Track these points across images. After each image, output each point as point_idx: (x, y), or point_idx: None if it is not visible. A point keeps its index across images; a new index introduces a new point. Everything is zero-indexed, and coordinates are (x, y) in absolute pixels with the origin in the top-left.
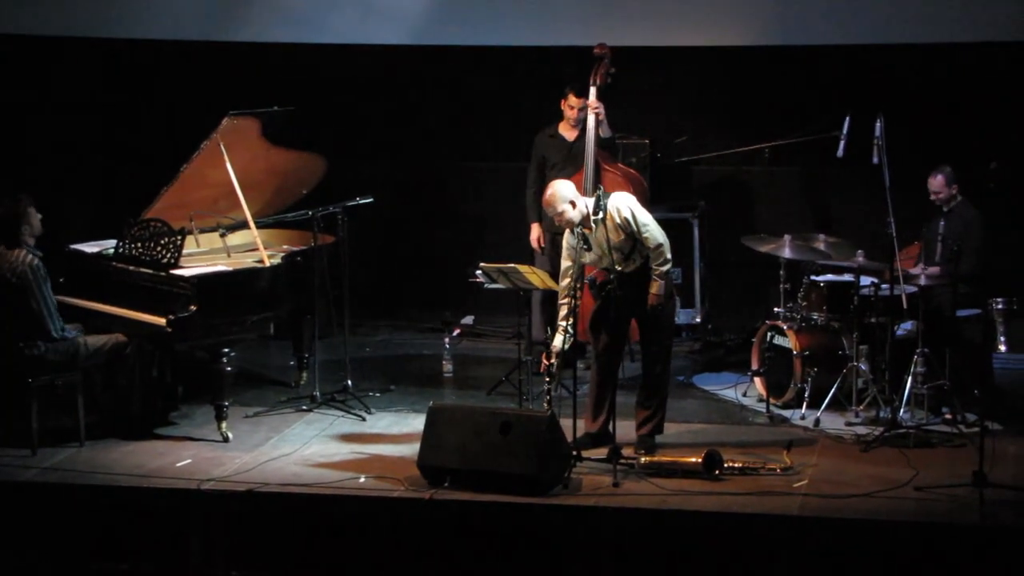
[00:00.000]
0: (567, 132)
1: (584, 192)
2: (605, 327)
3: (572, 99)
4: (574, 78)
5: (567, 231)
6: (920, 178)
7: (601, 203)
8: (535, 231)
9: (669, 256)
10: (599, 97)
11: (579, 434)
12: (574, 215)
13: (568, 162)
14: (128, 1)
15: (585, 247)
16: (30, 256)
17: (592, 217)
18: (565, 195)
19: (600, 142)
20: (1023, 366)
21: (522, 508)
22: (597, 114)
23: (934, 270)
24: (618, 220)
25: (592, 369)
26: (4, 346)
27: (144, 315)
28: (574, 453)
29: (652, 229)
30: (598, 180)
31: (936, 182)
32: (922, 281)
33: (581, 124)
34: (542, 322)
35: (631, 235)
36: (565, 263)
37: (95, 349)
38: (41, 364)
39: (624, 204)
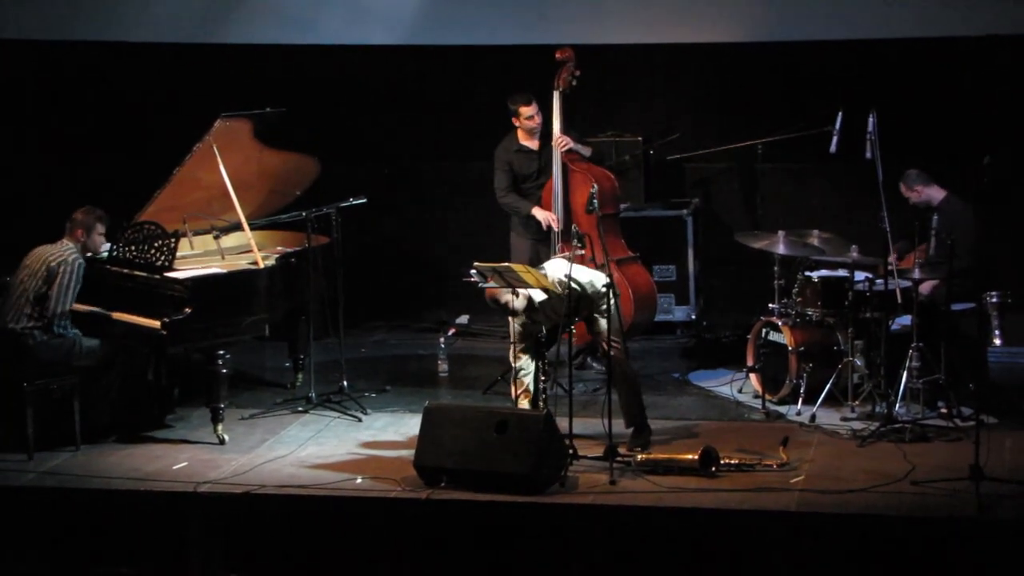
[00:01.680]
0: (529, 142)
1: (552, 202)
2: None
3: (523, 110)
4: (512, 92)
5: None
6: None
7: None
8: (540, 214)
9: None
10: (562, 100)
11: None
12: (520, 304)
13: (538, 174)
14: (120, 4)
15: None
16: (76, 255)
17: (541, 296)
18: (498, 297)
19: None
20: (1018, 359)
21: (519, 507)
22: (563, 147)
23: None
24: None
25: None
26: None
27: (138, 318)
28: (570, 451)
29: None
30: (567, 182)
31: (902, 189)
32: (916, 275)
33: (539, 131)
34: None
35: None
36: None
37: (89, 350)
38: (34, 358)
39: (560, 272)
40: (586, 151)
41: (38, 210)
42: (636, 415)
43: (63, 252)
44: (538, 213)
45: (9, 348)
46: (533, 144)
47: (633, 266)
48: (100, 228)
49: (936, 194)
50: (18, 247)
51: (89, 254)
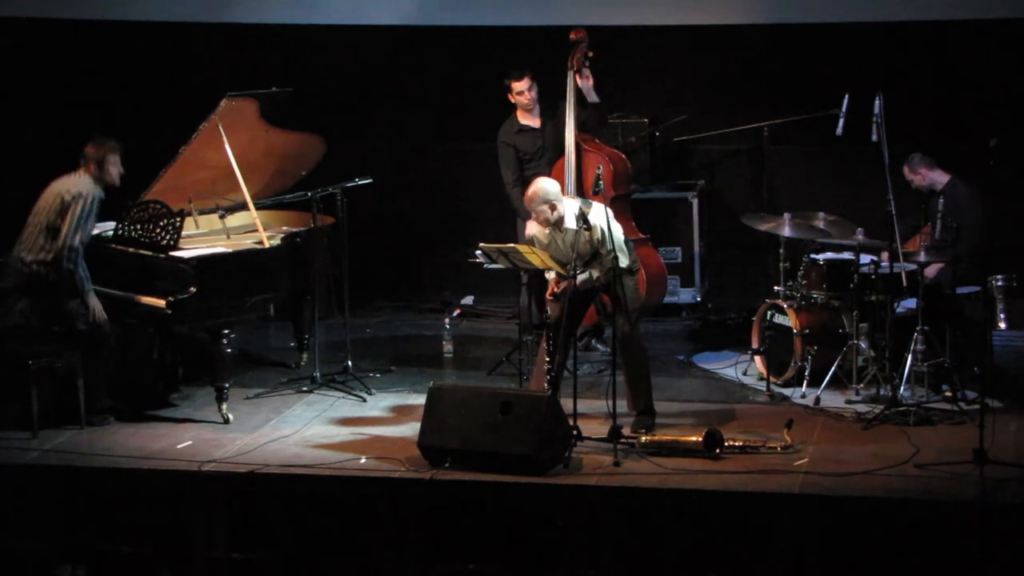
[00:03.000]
0: (530, 120)
1: (565, 178)
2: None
3: (515, 85)
4: (506, 67)
5: (530, 228)
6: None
7: (581, 214)
8: (533, 225)
9: (624, 260)
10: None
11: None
12: (551, 216)
13: (543, 151)
14: None
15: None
16: (92, 189)
17: (572, 227)
18: (547, 196)
19: (582, 116)
20: (1023, 343)
21: (523, 488)
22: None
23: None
24: (595, 235)
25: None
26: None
27: (144, 297)
28: (575, 432)
29: (618, 241)
30: (580, 160)
31: (905, 172)
32: (922, 258)
33: (535, 107)
34: (532, 304)
35: (596, 247)
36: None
37: (91, 308)
38: (40, 293)
39: (602, 221)
40: (595, 97)
41: (35, 189)
42: (644, 398)
43: (79, 185)
44: (530, 226)
45: (18, 278)
46: (534, 122)
47: (644, 247)
48: (112, 159)
49: (940, 178)
50: (18, 226)
51: (108, 184)
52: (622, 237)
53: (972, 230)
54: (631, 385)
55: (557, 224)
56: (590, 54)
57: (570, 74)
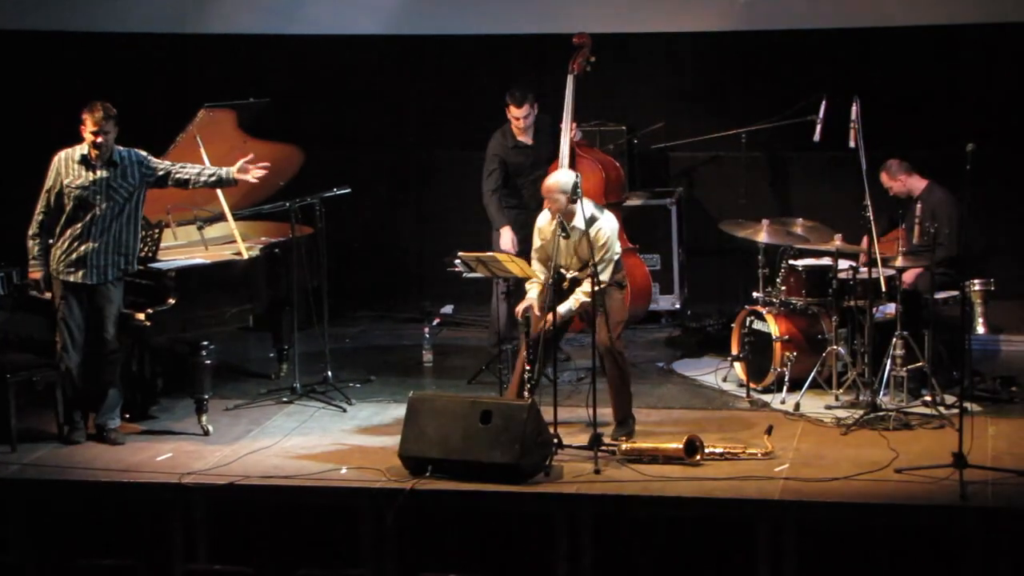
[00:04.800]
0: (524, 137)
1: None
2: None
3: (514, 111)
4: (511, 88)
5: (540, 219)
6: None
7: (593, 218)
8: (507, 235)
9: (611, 272)
10: (575, 84)
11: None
12: (561, 207)
13: (536, 167)
14: None
15: (563, 234)
16: (65, 151)
17: (577, 226)
18: (566, 187)
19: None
20: (1001, 347)
21: (504, 496)
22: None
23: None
24: (596, 241)
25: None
26: None
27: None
28: (555, 440)
29: (608, 269)
30: (573, 166)
31: (883, 179)
32: (900, 263)
33: (531, 129)
34: (507, 315)
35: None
36: (537, 252)
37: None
38: None
39: (609, 231)
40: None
41: (13, 204)
42: (626, 406)
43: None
44: (505, 234)
45: None
46: (527, 139)
47: (632, 257)
48: (87, 120)
49: (917, 184)
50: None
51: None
52: (619, 252)
53: (949, 236)
54: (613, 394)
55: (567, 218)
56: (592, 59)
57: (569, 78)
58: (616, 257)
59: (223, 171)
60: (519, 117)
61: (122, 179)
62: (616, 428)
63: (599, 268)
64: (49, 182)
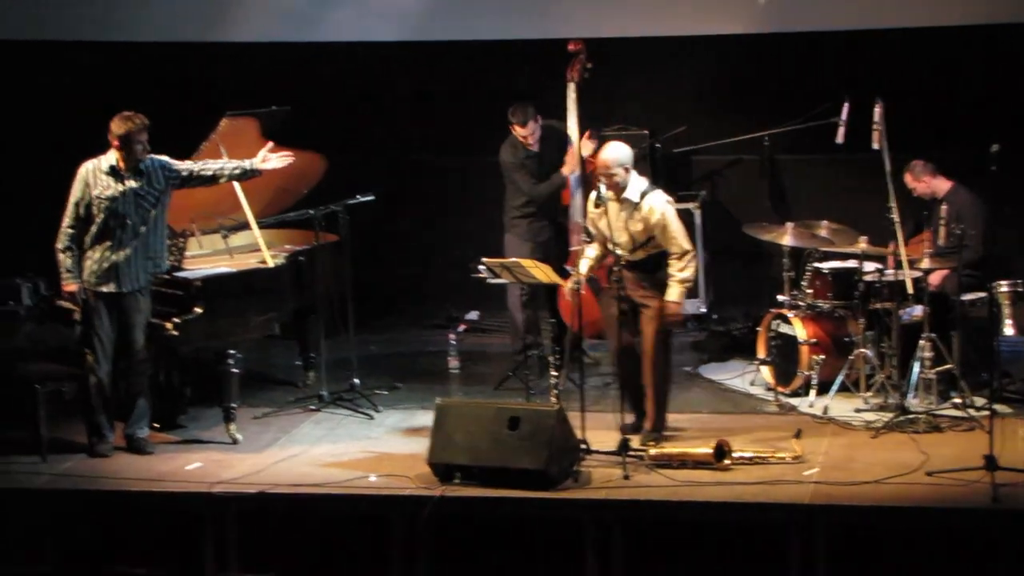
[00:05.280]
0: (533, 147)
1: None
2: (617, 325)
3: (519, 130)
4: (512, 107)
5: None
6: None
7: (645, 192)
8: (571, 158)
9: (693, 266)
10: (577, 91)
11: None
12: (621, 180)
13: (549, 174)
14: (125, 4)
15: (597, 200)
16: (92, 161)
17: (629, 198)
18: (624, 160)
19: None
20: None
21: (533, 502)
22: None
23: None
24: (650, 217)
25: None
26: None
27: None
28: (583, 446)
29: (680, 239)
30: (586, 175)
31: (907, 180)
32: (926, 265)
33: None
34: (523, 322)
35: (652, 233)
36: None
37: None
38: None
39: (662, 207)
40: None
41: (40, 212)
42: (661, 410)
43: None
44: (571, 155)
45: None
46: (536, 147)
47: None
48: (139, 135)
49: (942, 185)
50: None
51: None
52: (683, 232)
53: (975, 237)
54: (652, 398)
55: (617, 191)
56: (589, 65)
57: (570, 86)
58: (682, 233)
59: (246, 163)
60: (525, 135)
61: (148, 186)
62: (646, 433)
63: (670, 241)
64: (77, 194)
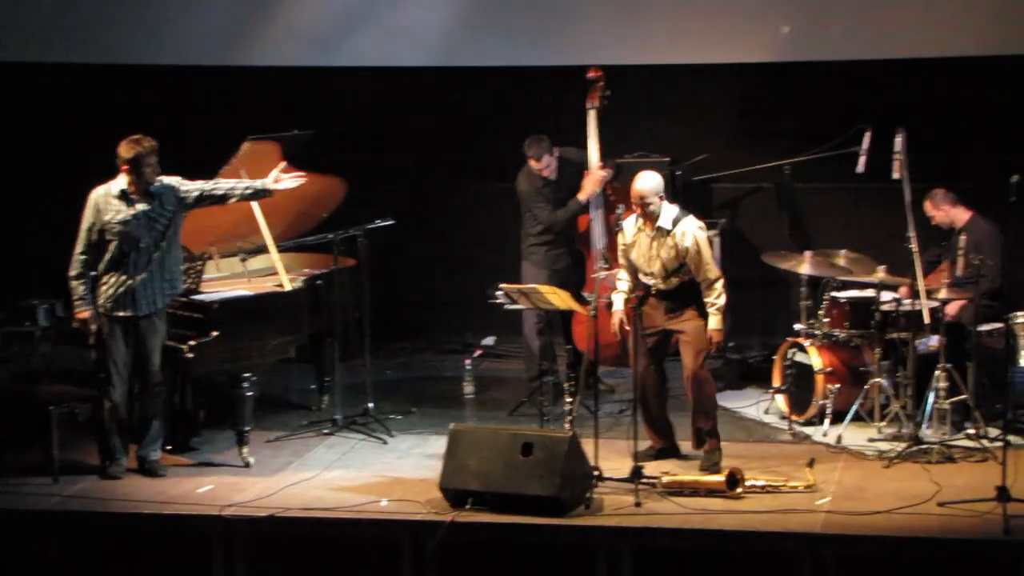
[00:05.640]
0: (550, 176)
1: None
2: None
3: (534, 165)
4: (529, 139)
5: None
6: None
7: (677, 219)
8: (591, 178)
9: (725, 292)
10: (597, 118)
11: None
12: (656, 209)
13: (560, 193)
14: (149, 28)
15: (618, 228)
16: (102, 188)
17: (663, 226)
18: (658, 188)
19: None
20: None
21: (545, 529)
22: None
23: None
24: (683, 242)
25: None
26: None
27: (165, 341)
28: (596, 472)
29: (713, 265)
30: (606, 203)
31: (927, 208)
32: (943, 295)
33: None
34: (538, 349)
35: (683, 260)
36: (623, 258)
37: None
38: None
39: (695, 232)
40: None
41: (65, 234)
42: (716, 425)
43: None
44: (589, 180)
45: None
46: (553, 176)
47: None
48: (149, 159)
49: (961, 215)
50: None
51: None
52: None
53: (993, 268)
54: (695, 422)
55: (652, 219)
56: (608, 92)
57: (590, 113)
58: (712, 256)
59: (258, 183)
60: (540, 169)
61: (161, 209)
62: (705, 457)
63: (703, 267)
64: (88, 221)
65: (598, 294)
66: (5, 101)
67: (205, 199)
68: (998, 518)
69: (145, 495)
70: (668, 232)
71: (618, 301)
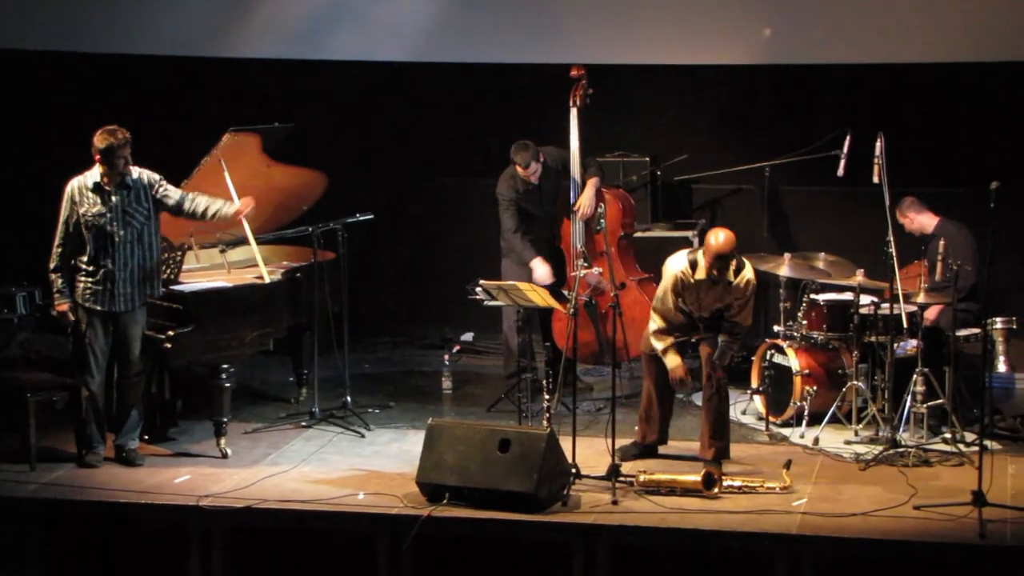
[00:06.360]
0: (533, 180)
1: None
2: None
3: (520, 171)
4: (515, 145)
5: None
6: (920, 198)
7: (739, 268)
8: (541, 268)
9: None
10: (579, 116)
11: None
12: (737, 265)
13: (548, 203)
14: (129, 18)
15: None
16: (78, 178)
17: (729, 278)
18: (734, 248)
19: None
20: (1021, 385)
21: (521, 525)
22: (585, 214)
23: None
24: (745, 289)
25: (647, 383)
26: None
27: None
28: (573, 470)
29: (750, 313)
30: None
31: (897, 216)
32: (921, 299)
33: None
34: (517, 345)
35: (727, 303)
36: (662, 303)
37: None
38: None
39: (752, 278)
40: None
41: (40, 226)
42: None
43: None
44: (539, 266)
45: None
46: (536, 180)
47: (649, 286)
48: (121, 150)
49: (929, 221)
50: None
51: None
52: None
53: (966, 269)
54: (711, 430)
55: (723, 274)
56: (590, 90)
57: (572, 111)
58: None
59: (228, 210)
60: (527, 175)
61: (136, 203)
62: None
63: (746, 313)
64: (65, 213)
65: (577, 292)
66: None
67: (184, 213)
68: (974, 522)
69: (122, 484)
70: (731, 283)
71: (672, 359)
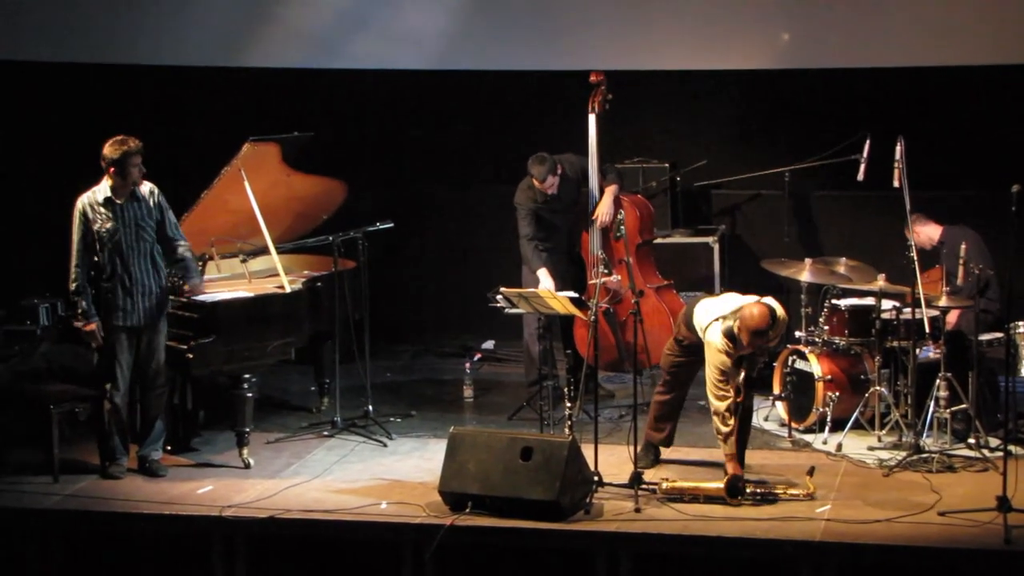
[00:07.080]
0: (551, 191)
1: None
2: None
3: (535, 183)
4: (533, 158)
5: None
6: (940, 201)
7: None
8: (546, 278)
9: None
10: (598, 123)
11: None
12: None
13: (566, 212)
14: (150, 28)
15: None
16: (88, 195)
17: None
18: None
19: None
20: None
21: (544, 533)
22: (604, 222)
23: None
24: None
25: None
26: None
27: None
28: (596, 478)
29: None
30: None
31: (907, 232)
32: (943, 303)
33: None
34: (538, 353)
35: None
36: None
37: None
38: None
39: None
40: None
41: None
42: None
43: (82, 197)
44: (545, 277)
45: None
46: (555, 191)
47: (668, 293)
48: (133, 159)
49: (933, 232)
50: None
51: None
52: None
53: (987, 272)
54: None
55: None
56: (609, 96)
57: (591, 117)
58: None
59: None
60: (544, 188)
61: (148, 216)
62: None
63: (773, 340)
64: (79, 231)
65: (598, 299)
66: (4, 100)
67: (169, 247)
68: (999, 528)
69: (145, 495)
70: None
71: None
